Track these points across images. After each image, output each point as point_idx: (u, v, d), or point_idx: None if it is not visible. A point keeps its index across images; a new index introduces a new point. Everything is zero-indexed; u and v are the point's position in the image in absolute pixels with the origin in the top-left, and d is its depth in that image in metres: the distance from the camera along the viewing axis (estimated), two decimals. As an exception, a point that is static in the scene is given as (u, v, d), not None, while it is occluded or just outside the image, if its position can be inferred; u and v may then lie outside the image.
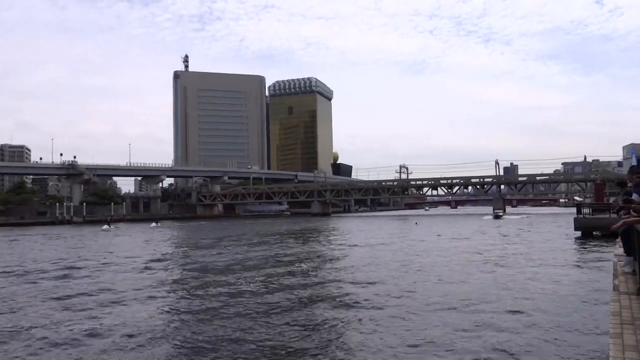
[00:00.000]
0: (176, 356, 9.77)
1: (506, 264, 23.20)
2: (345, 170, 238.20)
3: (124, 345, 10.47)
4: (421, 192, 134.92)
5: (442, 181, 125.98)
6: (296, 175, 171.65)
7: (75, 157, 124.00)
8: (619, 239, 8.98)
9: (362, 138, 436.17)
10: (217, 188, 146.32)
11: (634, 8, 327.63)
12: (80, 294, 16.91)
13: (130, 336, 11.10)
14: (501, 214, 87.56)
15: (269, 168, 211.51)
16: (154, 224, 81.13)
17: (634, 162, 19.10)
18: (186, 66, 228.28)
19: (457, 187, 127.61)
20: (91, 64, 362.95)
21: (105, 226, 69.86)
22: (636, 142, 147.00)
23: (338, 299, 15.09)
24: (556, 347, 9.66)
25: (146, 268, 24.25)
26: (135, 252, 33.54)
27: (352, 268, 22.82)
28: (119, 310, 14.12)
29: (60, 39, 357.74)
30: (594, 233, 35.77)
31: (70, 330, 11.79)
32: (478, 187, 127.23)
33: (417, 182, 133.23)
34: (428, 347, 9.84)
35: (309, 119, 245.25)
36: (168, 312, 13.92)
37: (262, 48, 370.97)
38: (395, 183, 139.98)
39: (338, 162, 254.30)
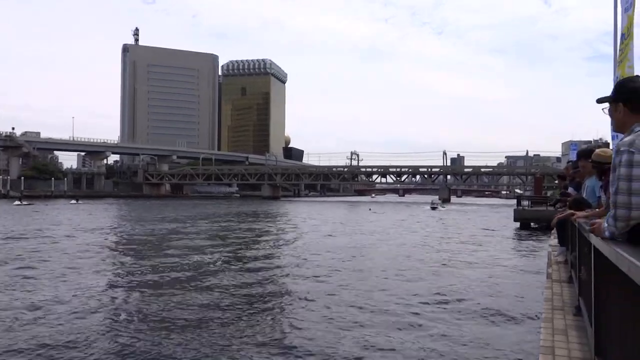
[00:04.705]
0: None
1: (443, 250, 23.93)
2: (297, 154, 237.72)
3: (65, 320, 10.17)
4: (370, 179, 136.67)
5: (391, 169, 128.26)
6: (247, 158, 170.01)
7: (13, 128, 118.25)
8: (554, 231, 9.47)
9: (315, 123, 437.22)
10: (165, 167, 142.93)
11: (577, 10, 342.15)
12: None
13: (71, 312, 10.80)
14: (438, 205, 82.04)
15: (219, 149, 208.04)
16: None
17: (572, 157, 20.04)
18: (136, 40, 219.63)
19: (405, 176, 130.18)
20: (33, 30, 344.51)
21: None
22: (574, 140, 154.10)
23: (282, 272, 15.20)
24: (492, 328, 10.15)
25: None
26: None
27: (299, 250, 22.98)
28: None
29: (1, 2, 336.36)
30: (532, 224, 37.47)
31: None
32: (426, 176, 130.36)
33: (367, 170, 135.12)
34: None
35: (262, 101, 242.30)
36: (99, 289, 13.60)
37: (215, 25, 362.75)
38: (345, 169, 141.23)
39: (290, 146, 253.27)
